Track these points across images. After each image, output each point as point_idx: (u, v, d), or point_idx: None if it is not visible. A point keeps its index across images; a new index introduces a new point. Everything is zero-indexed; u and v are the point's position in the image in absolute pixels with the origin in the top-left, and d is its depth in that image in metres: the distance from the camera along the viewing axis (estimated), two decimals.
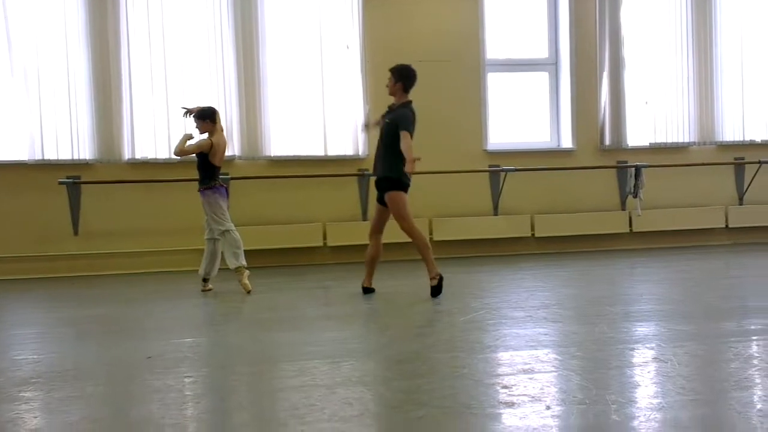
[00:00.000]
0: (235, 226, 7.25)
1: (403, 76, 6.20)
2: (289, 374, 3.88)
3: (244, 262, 6.66)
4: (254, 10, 8.49)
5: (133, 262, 8.37)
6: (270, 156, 8.62)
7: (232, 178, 8.45)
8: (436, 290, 6.10)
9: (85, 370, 4.13)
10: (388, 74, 6.31)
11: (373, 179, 8.64)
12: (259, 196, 8.56)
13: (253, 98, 8.52)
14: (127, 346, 4.76)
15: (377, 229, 6.36)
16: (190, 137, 6.81)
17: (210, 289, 6.86)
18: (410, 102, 6.22)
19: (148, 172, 8.38)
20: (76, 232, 8.29)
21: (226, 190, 6.90)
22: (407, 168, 5.83)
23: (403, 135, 5.92)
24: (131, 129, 8.32)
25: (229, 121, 8.49)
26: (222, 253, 6.79)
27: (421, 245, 6.14)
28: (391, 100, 6.35)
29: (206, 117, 6.72)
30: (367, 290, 6.40)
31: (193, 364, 4.20)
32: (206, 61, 8.46)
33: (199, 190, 6.76)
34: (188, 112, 6.92)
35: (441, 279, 6.11)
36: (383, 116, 6.38)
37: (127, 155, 8.33)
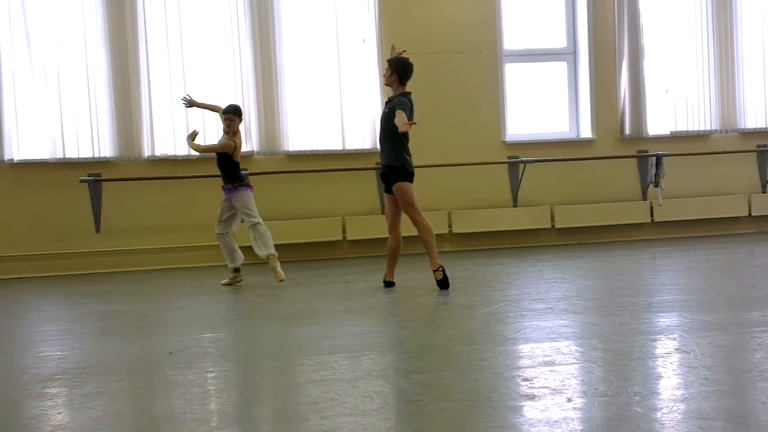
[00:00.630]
0: None
1: (399, 68, 6.26)
2: (309, 368, 3.89)
3: (274, 251, 6.82)
4: (271, 6, 8.50)
5: (154, 258, 8.43)
6: (288, 151, 8.64)
7: (251, 174, 8.46)
8: (443, 283, 6.12)
9: (108, 365, 4.17)
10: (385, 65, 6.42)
11: None
12: (278, 191, 8.58)
13: (270, 94, 8.53)
14: (149, 341, 4.80)
15: (394, 222, 6.39)
16: (196, 135, 6.99)
17: (241, 281, 6.97)
18: (408, 93, 6.28)
19: (168, 169, 8.43)
20: (98, 230, 8.37)
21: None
22: (400, 128, 5.86)
23: (398, 112, 6.00)
24: (151, 126, 8.37)
25: (248, 117, 8.50)
26: (252, 245, 6.89)
27: (426, 235, 6.19)
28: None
29: (239, 114, 6.92)
30: (389, 284, 6.41)
31: (215, 359, 4.22)
32: (224, 58, 8.49)
33: (227, 188, 6.90)
34: (190, 104, 7.10)
35: (444, 270, 6.14)
36: (384, 106, 6.50)
37: (147, 152, 8.39)
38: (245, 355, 4.30)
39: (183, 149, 8.40)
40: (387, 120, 6.21)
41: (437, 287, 6.10)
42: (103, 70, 8.27)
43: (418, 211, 6.22)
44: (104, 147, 8.32)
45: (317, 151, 8.69)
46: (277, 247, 8.42)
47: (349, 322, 5.14)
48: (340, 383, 3.57)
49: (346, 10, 8.68)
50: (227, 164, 6.87)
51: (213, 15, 8.47)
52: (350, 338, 4.57)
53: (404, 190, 6.20)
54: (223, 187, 6.98)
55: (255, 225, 6.83)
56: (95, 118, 8.28)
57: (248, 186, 6.95)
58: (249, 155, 8.56)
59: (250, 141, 8.55)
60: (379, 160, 8.66)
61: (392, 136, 6.14)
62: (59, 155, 8.22)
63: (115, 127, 8.30)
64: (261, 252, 6.81)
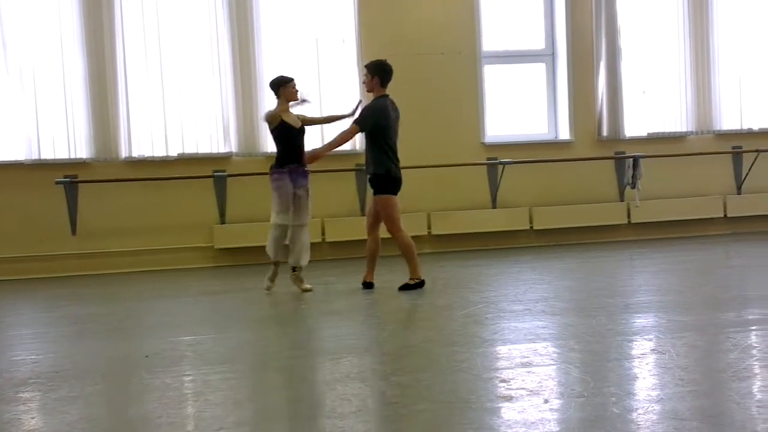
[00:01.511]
0: (233, 222, 7.24)
1: (379, 70, 6.17)
2: (288, 370, 3.87)
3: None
4: (249, 6, 8.47)
5: (131, 260, 8.36)
6: (267, 152, 8.59)
7: (230, 175, 8.44)
8: (406, 287, 6.12)
9: (83, 369, 4.12)
10: (364, 71, 6.33)
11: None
12: (257, 193, 8.50)
13: (249, 95, 8.50)
14: (125, 345, 4.76)
15: (374, 224, 6.32)
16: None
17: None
18: (386, 96, 6.20)
19: (146, 170, 8.36)
20: (74, 232, 8.28)
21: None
22: (306, 159, 6.04)
23: (351, 127, 6.06)
24: (128, 127, 8.31)
25: (226, 117, 8.49)
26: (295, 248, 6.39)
27: (405, 250, 6.16)
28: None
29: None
30: (368, 285, 6.37)
31: (192, 362, 4.19)
32: (202, 58, 8.45)
33: (300, 170, 6.33)
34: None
35: (421, 284, 6.14)
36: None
37: (124, 153, 8.32)
38: (223, 357, 4.27)
39: (160, 150, 8.33)
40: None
41: (422, 289, 6.11)
42: (80, 71, 8.19)
43: (397, 226, 6.14)
44: (80, 148, 8.24)
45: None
46: (256, 249, 8.41)
47: (328, 324, 5.13)
48: (318, 385, 3.56)
49: (326, 10, 8.67)
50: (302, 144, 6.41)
51: (191, 15, 8.42)
52: (329, 340, 4.57)
53: (385, 204, 6.12)
54: (293, 169, 6.27)
55: (304, 225, 6.35)
56: (71, 118, 8.20)
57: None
58: (227, 156, 8.52)
59: (228, 142, 8.52)
60: (360, 162, 8.71)
61: (370, 142, 6.10)
62: (35, 156, 8.13)
63: (92, 127, 8.22)
64: (301, 259, 6.31)
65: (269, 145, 8.59)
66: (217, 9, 8.44)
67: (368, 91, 6.35)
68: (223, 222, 8.51)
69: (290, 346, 4.51)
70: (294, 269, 6.37)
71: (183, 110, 8.41)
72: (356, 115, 6.36)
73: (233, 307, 6.10)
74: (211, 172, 8.45)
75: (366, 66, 6.33)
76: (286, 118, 6.34)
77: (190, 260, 8.45)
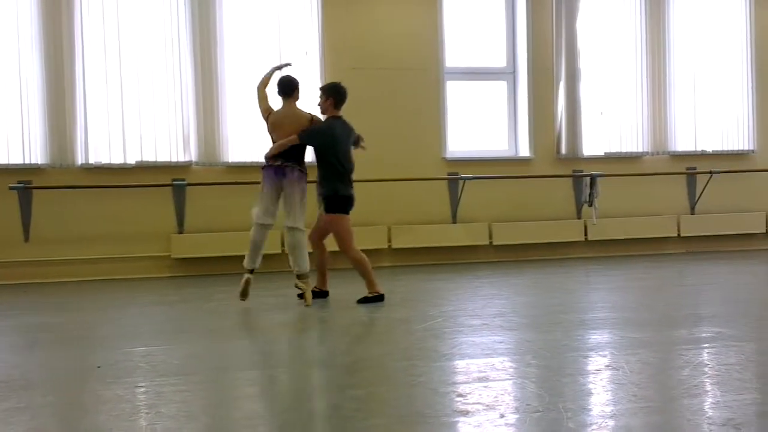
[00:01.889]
0: (191, 232, 7.10)
1: (333, 92, 6.22)
2: (243, 383, 3.83)
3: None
4: (212, 15, 8.41)
5: (87, 269, 8.20)
6: (228, 162, 8.53)
7: (189, 184, 8.35)
8: (365, 300, 6.12)
9: (32, 380, 4.02)
10: (319, 93, 6.38)
11: None
12: (216, 203, 8.46)
13: (210, 104, 8.43)
14: (77, 355, 4.65)
15: (319, 239, 6.34)
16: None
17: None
18: (338, 117, 6.23)
19: (103, 178, 8.22)
20: (27, 239, 8.09)
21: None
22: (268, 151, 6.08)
23: (292, 137, 6.05)
24: (85, 133, 8.16)
25: (186, 126, 8.40)
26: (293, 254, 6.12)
27: (359, 266, 6.18)
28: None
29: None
30: (320, 294, 6.36)
31: (145, 373, 4.12)
32: (163, 66, 8.35)
33: (290, 168, 6.13)
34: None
35: (379, 297, 6.13)
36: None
37: (80, 160, 8.17)
38: (177, 369, 4.20)
39: (118, 157, 8.21)
40: (315, 150, 6.22)
41: (381, 302, 6.12)
42: (36, 74, 8.02)
43: (348, 244, 6.15)
44: (35, 153, 8.06)
45: (258, 162, 8.59)
46: (214, 259, 8.35)
47: (285, 336, 5.09)
48: (273, 398, 3.52)
49: (289, 22, 8.66)
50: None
51: (152, 21, 8.32)
52: (285, 352, 4.53)
53: (334, 223, 6.14)
54: (280, 166, 6.10)
55: (296, 229, 6.08)
56: (27, 123, 8.02)
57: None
58: (187, 165, 8.43)
59: (188, 151, 8.43)
60: None
61: (319, 162, 6.16)
62: None
63: (48, 133, 8.05)
64: (306, 266, 6.05)
65: (230, 155, 8.54)
66: (179, 16, 8.37)
67: (322, 112, 6.35)
68: (181, 231, 8.41)
69: (246, 357, 4.46)
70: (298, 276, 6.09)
71: (142, 117, 8.29)
72: (282, 71, 6.51)
73: (189, 318, 6.02)
74: (170, 181, 8.35)
75: (320, 89, 6.41)
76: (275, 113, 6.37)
77: (147, 270, 8.32)
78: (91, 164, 8.18)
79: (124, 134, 8.22)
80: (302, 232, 6.12)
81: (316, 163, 6.24)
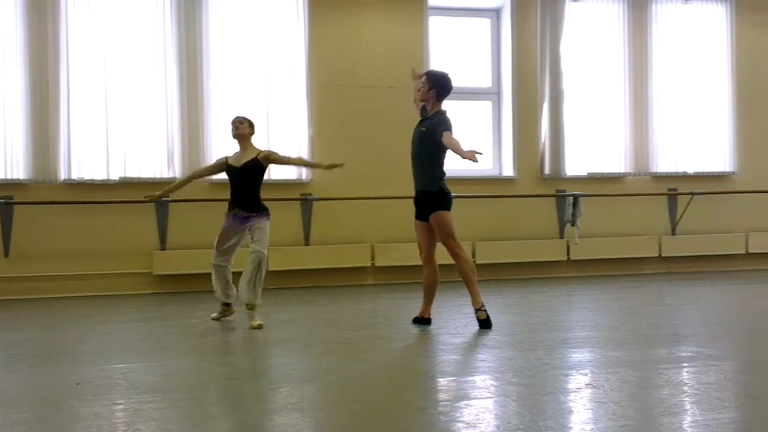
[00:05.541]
0: (173, 249, 6.98)
1: (439, 84, 5.89)
2: (223, 400, 3.81)
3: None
4: (198, 31, 8.43)
5: (68, 285, 8.13)
6: (212, 179, 8.50)
7: (172, 201, 8.32)
8: (485, 323, 5.75)
9: (10, 397, 3.98)
10: (423, 78, 5.99)
11: (316, 203, 8.68)
12: (199, 220, 8.42)
13: (195, 119, 8.42)
14: (56, 372, 4.60)
15: (429, 253, 5.97)
16: None
17: (233, 313, 6.37)
18: (445, 111, 5.96)
19: (85, 194, 8.18)
20: (6, 254, 8.02)
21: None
22: (466, 154, 5.44)
23: (446, 134, 5.65)
24: (68, 148, 8.12)
25: (171, 142, 8.39)
26: (245, 284, 6.02)
27: (467, 269, 5.85)
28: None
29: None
30: (424, 321, 5.99)
31: (124, 390, 4.08)
32: (148, 81, 8.35)
33: (243, 215, 6.12)
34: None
35: (486, 310, 5.82)
36: (419, 123, 6.10)
37: (63, 176, 8.13)
38: (156, 386, 4.17)
39: (101, 173, 8.17)
40: (423, 140, 5.82)
41: (365, 319, 6.08)
42: (20, 88, 7.98)
43: (458, 243, 5.85)
44: (18, 168, 8.01)
45: None
46: (196, 276, 8.29)
47: (267, 354, 5.07)
48: (254, 416, 3.50)
49: (276, 40, 8.69)
50: (258, 185, 6.20)
51: (138, 36, 8.33)
52: (267, 370, 4.51)
53: (443, 220, 5.82)
54: (236, 213, 6.13)
55: (263, 260, 6.03)
56: (9, 137, 7.97)
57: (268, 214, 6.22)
58: (171, 181, 8.39)
59: (172, 167, 8.41)
60: (305, 191, 8.71)
61: (428, 158, 5.81)
62: None
63: (30, 148, 8.01)
64: (255, 298, 5.97)
65: None
66: (165, 31, 8.38)
67: (421, 100, 6.04)
68: (163, 248, 8.37)
69: (226, 375, 4.43)
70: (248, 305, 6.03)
71: (127, 133, 8.28)
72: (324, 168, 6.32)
73: (169, 335, 5.98)
74: None
75: (427, 73, 6.04)
76: (230, 158, 6.23)
77: (128, 286, 8.27)
78: (74, 180, 8.14)
79: (108, 150, 8.20)
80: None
81: (420, 160, 5.93)
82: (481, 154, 5.43)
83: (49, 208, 8.08)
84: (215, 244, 6.19)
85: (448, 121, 5.80)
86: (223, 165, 6.27)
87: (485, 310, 5.83)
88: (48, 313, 7.15)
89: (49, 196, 8.09)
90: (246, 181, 6.14)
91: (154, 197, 6.53)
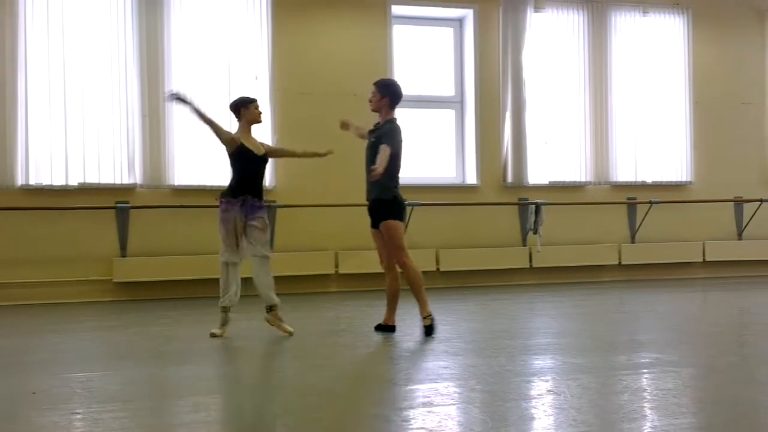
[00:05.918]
0: (134, 256, 6.86)
1: (390, 91, 5.90)
2: (183, 410, 3.76)
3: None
4: (160, 35, 8.36)
5: (25, 292, 7.97)
6: (174, 185, 8.43)
7: (133, 207, 8.21)
8: (429, 330, 5.75)
9: None
10: (374, 89, 5.97)
11: (279, 210, 8.64)
12: (161, 227, 8.34)
13: (157, 125, 8.34)
14: (11, 381, 4.50)
15: (390, 262, 5.92)
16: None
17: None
18: (395, 119, 5.95)
19: (43, 199, 8.04)
20: None
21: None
22: (375, 172, 5.52)
23: (383, 148, 5.64)
24: (26, 153, 7.98)
25: (131, 148, 8.28)
26: (259, 283, 5.91)
27: (415, 279, 5.83)
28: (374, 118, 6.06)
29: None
30: (388, 328, 5.95)
31: (82, 399, 4.01)
32: (108, 86, 8.24)
33: (254, 204, 5.88)
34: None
35: (433, 318, 5.81)
36: (369, 132, 6.07)
37: (20, 180, 7.97)
38: (116, 395, 4.10)
39: (60, 178, 8.02)
40: (372, 150, 5.77)
41: (327, 327, 6.07)
42: None
43: (405, 253, 5.83)
44: None
45: (204, 186, 8.53)
46: (160, 283, 8.20)
47: (228, 362, 5.02)
48: (215, 426, 3.47)
49: (239, 45, 8.65)
50: (262, 173, 6.01)
51: (98, 40, 8.22)
52: (228, 378, 4.47)
53: (393, 229, 5.81)
54: (246, 200, 5.82)
55: (267, 257, 5.90)
56: None
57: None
58: (131, 188, 8.30)
59: (133, 173, 8.30)
60: (268, 198, 8.64)
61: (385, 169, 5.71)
62: None
63: None
64: (273, 297, 5.86)
65: (176, 178, 8.43)
66: (126, 35, 8.28)
67: (373, 110, 6.00)
68: (123, 255, 8.25)
69: (186, 383, 4.37)
70: (269, 309, 5.89)
71: (86, 138, 8.16)
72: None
73: (129, 343, 5.89)
74: (113, 203, 8.20)
75: (376, 83, 5.99)
76: (246, 143, 5.96)
77: (88, 294, 8.14)
78: (32, 185, 7.99)
79: (67, 155, 8.07)
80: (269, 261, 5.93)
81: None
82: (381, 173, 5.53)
83: (5, 214, 7.92)
84: (222, 239, 5.83)
85: (395, 131, 5.82)
86: (236, 144, 5.91)
87: (432, 318, 5.84)
88: (3, 321, 6.98)
89: (6, 202, 7.93)
90: (263, 170, 6.04)
91: (178, 95, 5.92)
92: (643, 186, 10.05)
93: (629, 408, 3.72)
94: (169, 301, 7.88)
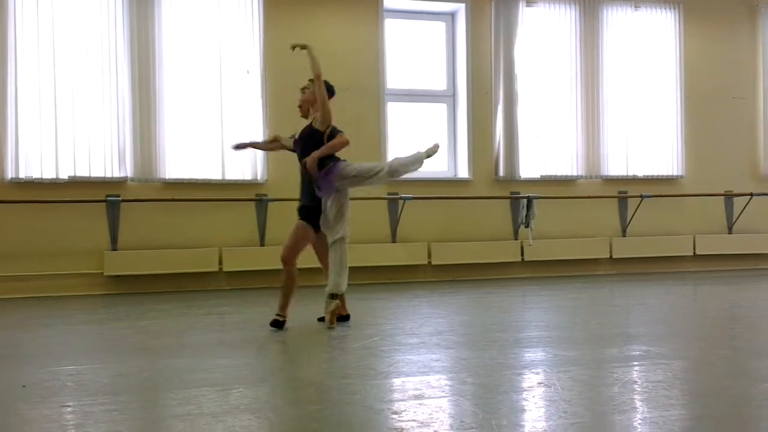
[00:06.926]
0: (124, 249, 6.82)
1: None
2: (174, 402, 3.75)
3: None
4: (150, 29, 8.33)
5: (15, 286, 7.94)
6: (164, 178, 8.40)
7: (124, 200, 8.19)
8: (274, 323, 5.90)
9: None
10: (300, 93, 6.15)
11: (271, 204, 8.63)
12: (152, 220, 8.32)
13: (147, 119, 8.31)
14: (1, 374, 4.48)
15: (322, 255, 6.13)
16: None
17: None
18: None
19: (34, 192, 8.00)
20: None
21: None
22: (309, 168, 5.76)
23: (343, 138, 5.94)
24: (16, 146, 7.94)
25: (122, 141, 8.25)
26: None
27: (290, 283, 6.00)
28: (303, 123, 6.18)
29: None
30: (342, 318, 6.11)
31: (73, 392, 3.99)
32: (99, 79, 8.21)
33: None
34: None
35: (284, 320, 5.94)
36: (295, 138, 6.18)
37: (10, 174, 7.93)
38: (106, 388, 4.09)
39: (50, 172, 7.99)
40: (303, 153, 5.95)
41: (317, 321, 6.08)
42: None
43: (296, 257, 6.01)
44: None
45: (195, 179, 8.51)
46: (150, 277, 8.18)
47: (221, 355, 5.01)
48: (204, 418, 3.46)
49: (231, 40, 8.62)
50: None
51: (89, 33, 8.19)
52: (220, 371, 4.46)
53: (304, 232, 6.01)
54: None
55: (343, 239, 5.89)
56: None
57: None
58: (122, 181, 8.27)
59: (123, 166, 8.27)
60: (260, 192, 8.64)
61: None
62: None
63: None
64: (344, 284, 5.87)
65: (167, 171, 8.41)
66: (116, 28, 8.25)
67: (303, 116, 6.29)
68: (114, 248, 8.23)
69: (178, 376, 4.36)
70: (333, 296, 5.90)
71: (76, 131, 8.12)
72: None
73: (120, 336, 5.87)
74: (104, 197, 8.17)
75: (310, 80, 6.22)
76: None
77: (78, 287, 8.11)
78: (22, 178, 7.96)
79: (57, 148, 8.04)
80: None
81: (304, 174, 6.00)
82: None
83: None
84: (346, 211, 6.00)
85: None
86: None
87: (284, 319, 5.90)
88: None
89: None
90: None
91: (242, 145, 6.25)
92: (634, 180, 10.08)
93: (619, 400, 3.74)
94: (159, 295, 7.85)
